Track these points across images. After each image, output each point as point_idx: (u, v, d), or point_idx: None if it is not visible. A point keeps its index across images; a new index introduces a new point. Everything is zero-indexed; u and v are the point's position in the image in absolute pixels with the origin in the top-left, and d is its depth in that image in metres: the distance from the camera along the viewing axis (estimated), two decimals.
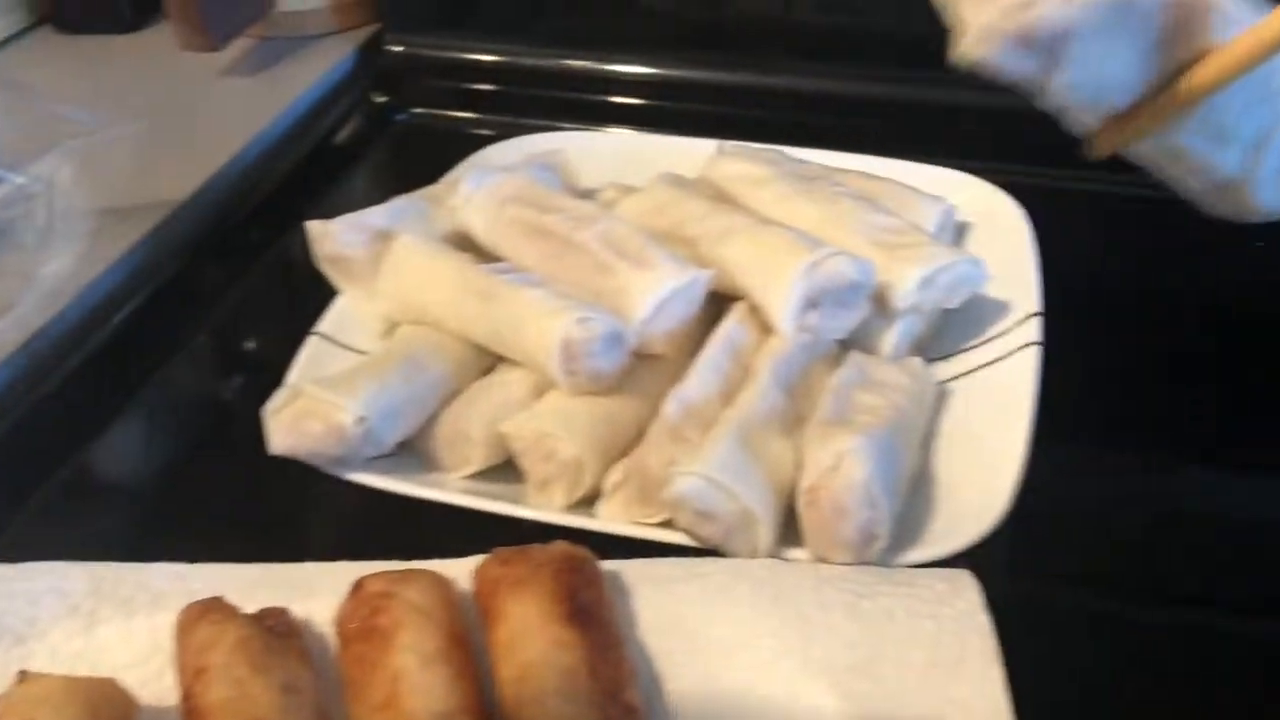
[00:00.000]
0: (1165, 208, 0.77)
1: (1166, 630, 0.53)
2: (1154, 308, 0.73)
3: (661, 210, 0.67)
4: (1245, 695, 0.49)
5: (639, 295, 0.58)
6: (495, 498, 0.55)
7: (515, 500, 0.55)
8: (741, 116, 0.89)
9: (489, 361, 0.61)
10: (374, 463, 0.57)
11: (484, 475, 0.58)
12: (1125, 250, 0.76)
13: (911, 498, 0.55)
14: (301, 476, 0.56)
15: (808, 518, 0.50)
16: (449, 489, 0.56)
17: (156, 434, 0.67)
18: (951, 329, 0.66)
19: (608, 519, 0.54)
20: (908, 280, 0.60)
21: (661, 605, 0.49)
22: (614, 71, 0.93)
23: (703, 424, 0.54)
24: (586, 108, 0.92)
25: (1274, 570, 0.56)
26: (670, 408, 0.54)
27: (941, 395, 0.61)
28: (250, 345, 0.74)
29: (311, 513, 0.61)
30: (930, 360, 0.63)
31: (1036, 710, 0.43)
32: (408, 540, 0.51)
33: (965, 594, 0.47)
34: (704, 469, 0.49)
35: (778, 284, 0.58)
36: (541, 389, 0.58)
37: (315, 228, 0.65)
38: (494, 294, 0.59)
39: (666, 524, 0.53)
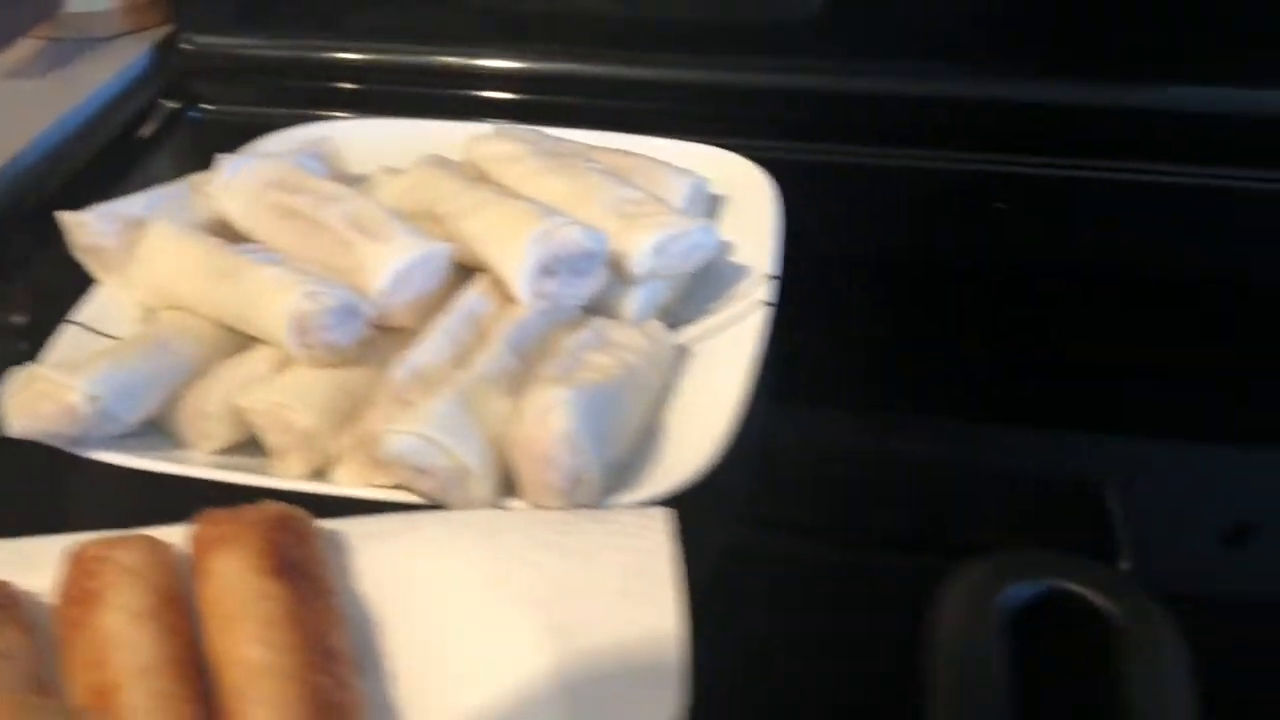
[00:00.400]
0: (910, 176, 0.82)
1: (845, 567, 0.56)
2: (900, 272, 0.77)
3: (417, 190, 0.69)
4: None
5: (376, 268, 0.60)
6: (239, 471, 0.57)
7: (259, 473, 0.57)
8: (519, 101, 0.91)
9: (242, 342, 0.63)
10: (122, 441, 0.58)
11: (233, 451, 0.59)
12: (873, 218, 0.81)
13: (642, 447, 0.58)
14: (61, 460, 0.57)
15: (519, 467, 0.53)
16: (191, 464, 0.57)
17: None
18: (700, 295, 0.70)
19: (344, 484, 0.56)
20: (641, 247, 0.63)
21: (380, 557, 0.51)
22: (402, 62, 0.95)
23: (429, 387, 0.56)
24: (379, 98, 0.93)
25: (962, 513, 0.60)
26: (397, 373, 0.57)
27: (682, 356, 0.65)
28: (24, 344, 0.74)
29: (67, 494, 0.61)
30: (677, 324, 0.67)
31: (725, 637, 0.47)
32: (157, 517, 0.52)
33: (657, 528, 0.50)
34: (416, 427, 0.52)
35: (512, 252, 0.61)
36: (285, 365, 0.60)
37: (68, 218, 0.66)
38: (236, 273, 0.61)
39: (401, 486, 0.55)
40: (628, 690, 0.44)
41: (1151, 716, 0.34)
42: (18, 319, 0.75)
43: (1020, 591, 0.37)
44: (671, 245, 0.65)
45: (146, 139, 0.92)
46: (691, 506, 0.53)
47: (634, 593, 0.48)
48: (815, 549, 0.57)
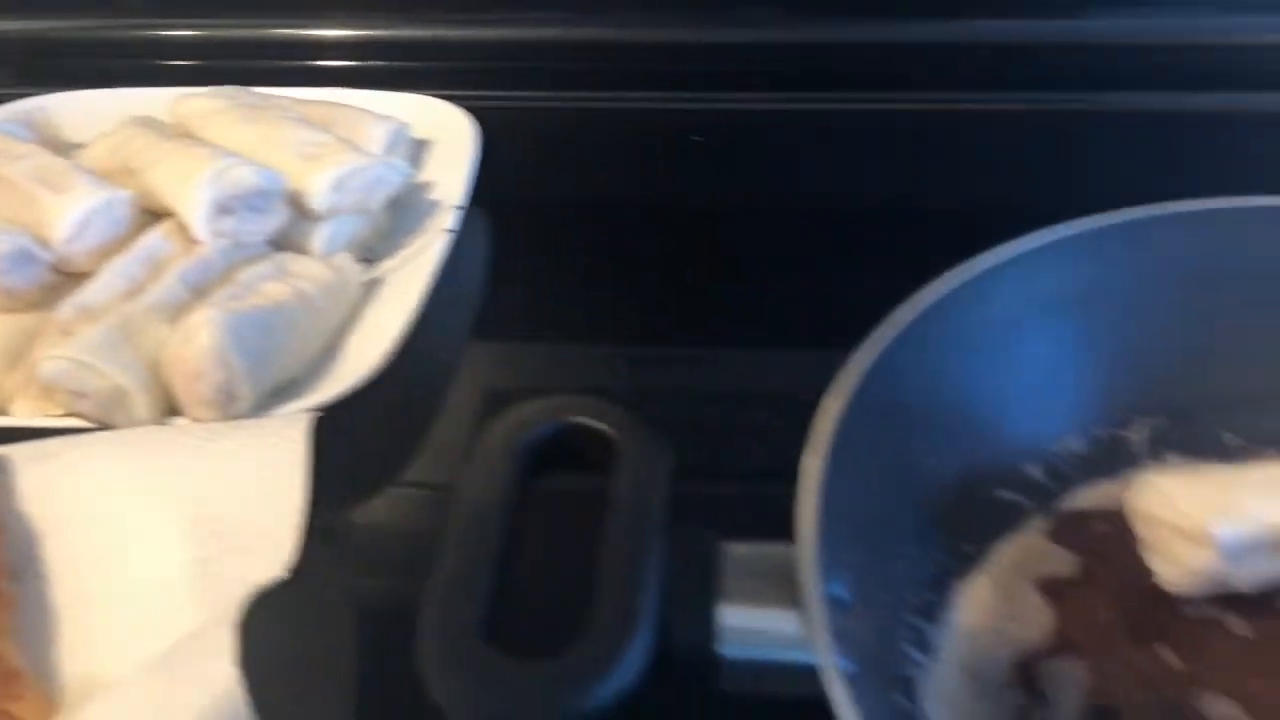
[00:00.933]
0: (609, 117, 0.87)
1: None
2: (601, 209, 0.82)
3: (118, 149, 0.72)
4: None
5: (56, 217, 0.63)
6: None
7: None
8: (224, 68, 0.93)
9: None
10: None
11: None
12: (573, 158, 0.85)
13: (320, 369, 0.62)
14: None
15: (173, 383, 0.57)
16: None
17: None
18: (399, 231, 0.74)
19: (20, 416, 0.59)
20: (319, 183, 0.68)
21: (41, 476, 0.55)
22: (97, 35, 0.96)
23: (94, 320, 0.59)
24: (92, 71, 0.93)
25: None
26: (63, 309, 0.60)
27: (377, 285, 0.69)
28: None
29: None
30: (375, 259, 0.71)
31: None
32: None
33: (296, 428, 0.54)
34: (68, 352, 0.55)
35: (188, 193, 0.65)
36: None
37: None
38: None
39: (70, 414, 0.58)
40: (245, 559, 0.48)
41: (630, 508, 0.39)
42: None
43: (539, 431, 0.42)
44: (351, 180, 0.69)
45: None
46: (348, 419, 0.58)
47: (264, 482, 0.52)
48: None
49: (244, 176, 0.65)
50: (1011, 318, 0.50)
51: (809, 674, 0.37)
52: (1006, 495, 0.52)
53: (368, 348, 0.63)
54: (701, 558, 0.40)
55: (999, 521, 0.51)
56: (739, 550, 0.41)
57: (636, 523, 0.39)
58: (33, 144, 0.73)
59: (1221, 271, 0.52)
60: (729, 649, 0.39)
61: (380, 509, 0.59)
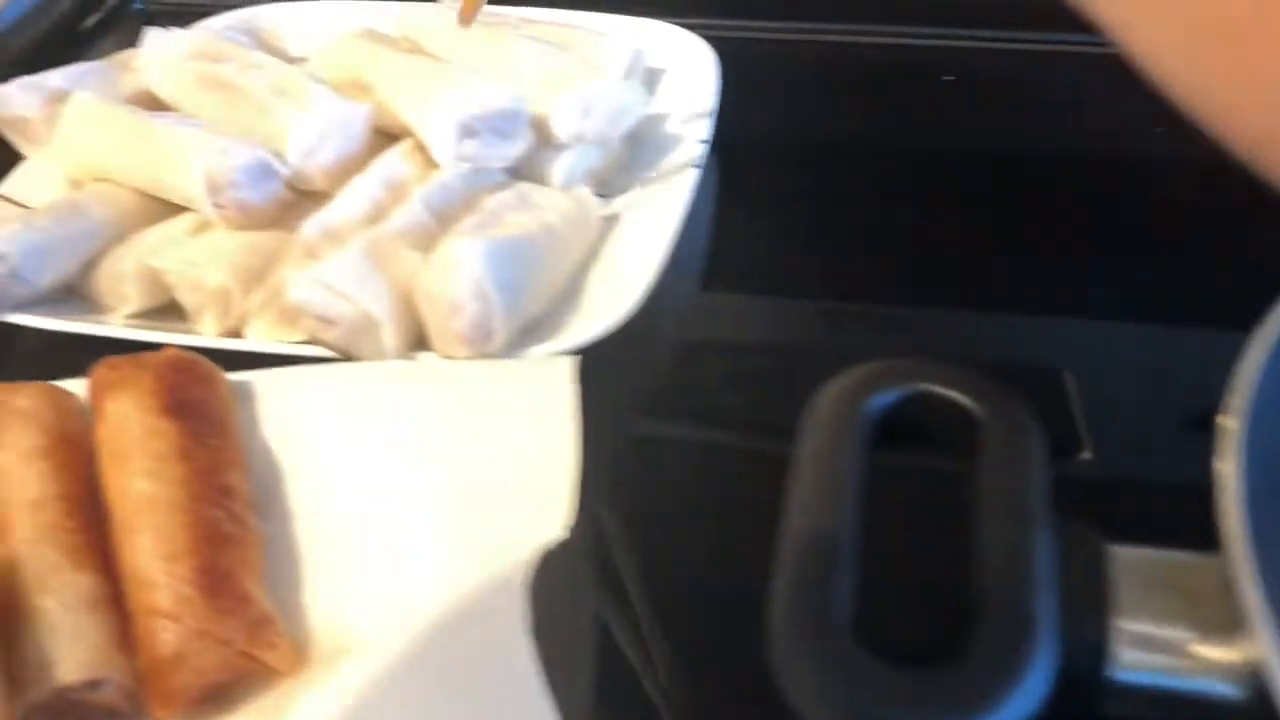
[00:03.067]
0: (855, 51, 0.80)
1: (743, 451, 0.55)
2: (845, 152, 0.75)
3: (346, 61, 0.68)
4: None
5: (294, 130, 0.59)
6: (154, 330, 0.56)
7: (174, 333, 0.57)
8: None
9: (165, 211, 0.62)
10: (38, 306, 0.58)
11: (151, 316, 0.59)
12: (818, 95, 0.79)
13: (562, 307, 0.58)
14: None
15: (426, 315, 0.52)
16: (109, 325, 0.57)
17: None
18: (636, 164, 0.69)
19: (256, 339, 0.55)
20: (565, 108, 0.62)
21: (286, 407, 0.51)
22: None
23: (339, 243, 0.55)
24: None
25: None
26: (307, 229, 0.56)
27: (614, 221, 0.64)
28: None
29: None
30: (611, 194, 0.66)
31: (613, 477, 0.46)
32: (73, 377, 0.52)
33: (560, 372, 0.49)
34: (318, 275, 0.51)
35: (431, 113, 0.60)
36: (203, 229, 0.59)
37: None
38: (153, 138, 0.60)
39: (311, 340, 0.55)
40: (517, 516, 0.44)
41: (1006, 494, 0.33)
42: None
43: (884, 399, 0.36)
44: (597, 107, 0.63)
45: (90, 29, 0.91)
46: (601, 364, 0.53)
47: (533, 432, 0.47)
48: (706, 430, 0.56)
49: (491, 97, 0.60)
50: None
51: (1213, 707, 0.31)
52: None
53: (616, 287, 0.57)
54: (1087, 561, 0.34)
55: None
56: (1131, 556, 0.34)
57: (1017, 512, 0.33)
58: (263, 54, 0.69)
59: None
60: (1127, 673, 0.33)
61: (639, 464, 0.54)
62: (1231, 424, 0.35)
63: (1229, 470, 0.34)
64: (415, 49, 0.70)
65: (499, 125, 0.61)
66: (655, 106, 0.72)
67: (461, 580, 0.42)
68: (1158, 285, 0.63)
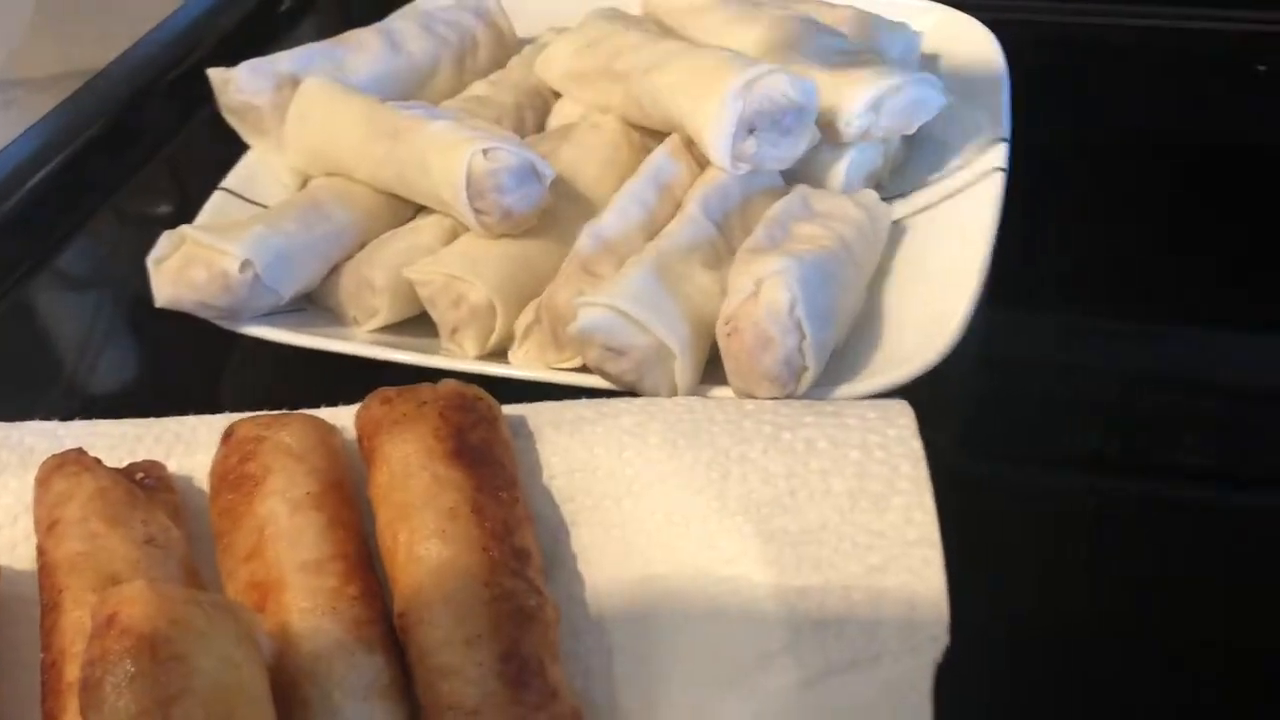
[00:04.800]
0: (1151, 38, 0.71)
1: (1091, 492, 0.48)
2: (1143, 148, 0.66)
3: (594, 46, 0.61)
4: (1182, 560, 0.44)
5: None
6: (408, 350, 0.51)
7: (428, 353, 0.51)
8: None
9: (406, 211, 0.57)
10: (277, 318, 0.53)
11: (397, 330, 0.53)
12: (1115, 86, 0.69)
13: (856, 334, 0.50)
14: (215, 337, 0.52)
15: (728, 348, 0.45)
16: (355, 341, 0.51)
17: (70, 297, 0.63)
18: (915, 163, 0.61)
19: (521, 365, 0.49)
20: (855, 102, 0.55)
21: (569, 448, 0.44)
22: None
23: (619, 259, 0.49)
24: None
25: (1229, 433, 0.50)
26: (584, 241, 0.49)
27: (899, 231, 0.56)
28: (167, 209, 0.69)
29: (224, 374, 0.56)
30: (890, 197, 0.58)
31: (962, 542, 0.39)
32: (318, 399, 0.47)
33: (897, 422, 0.42)
34: (610, 300, 0.45)
35: (709, 106, 0.53)
36: (454, 235, 0.54)
37: (216, 75, 0.60)
38: (400, 131, 0.54)
39: (584, 369, 0.48)
40: (876, 624, 0.37)
41: None
42: (165, 188, 0.70)
43: None
44: (890, 101, 0.55)
45: (289, 8, 0.86)
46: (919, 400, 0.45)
47: (872, 494, 0.40)
48: (1058, 472, 0.48)
49: (779, 88, 0.52)
50: None
51: None
52: None
53: (925, 311, 0.50)
54: None
55: None
56: None
57: None
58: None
59: None
60: None
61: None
62: None
63: None
64: (665, 33, 0.63)
65: (784, 121, 0.53)
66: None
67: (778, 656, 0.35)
68: None
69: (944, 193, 0.58)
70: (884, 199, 0.57)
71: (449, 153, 0.51)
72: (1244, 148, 0.65)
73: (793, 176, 0.57)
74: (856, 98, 0.55)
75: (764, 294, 0.44)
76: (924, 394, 0.45)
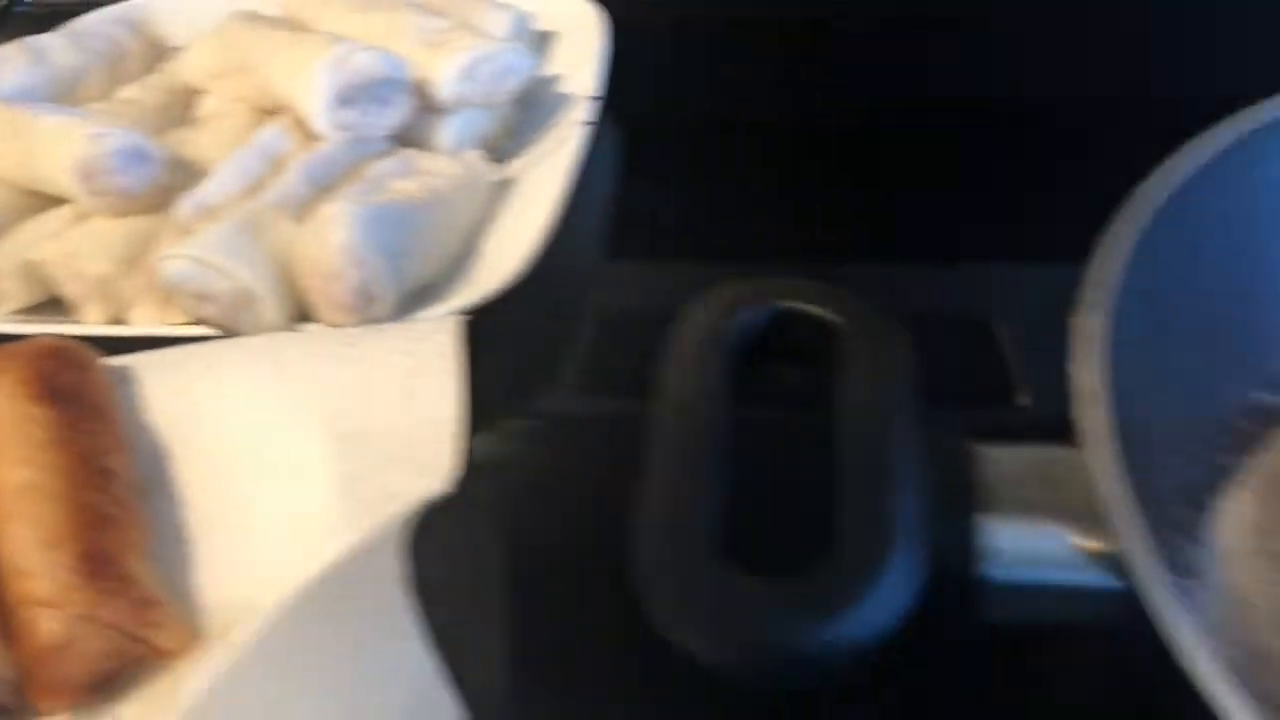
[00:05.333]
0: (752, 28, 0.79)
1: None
2: (739, 116, 0.74)
3: (229, 45, 0.67)
4: None
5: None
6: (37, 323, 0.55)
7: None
8: None
9: (42, 204, 0.61)
10: None
11: (36, 311, 0.58)
12: (708, 60, 0.78)
13: (455, 271, 0.57)
14: None
15: (305, 284, 0.51)
16: None
17: None
18: (527, 128, 0.68)
19: (139, 326, 0.54)
20: (446, 70, 0.61)
21: (168, 385, 0.50)
22: None
23: (216, 220, 0.54)
24: None
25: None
26: (183, 207, 0.55)
27: (508, 185, 0.63)
28: None
29: None
30: (504, 158, 0.65)
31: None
32: None
33: (443, 336, 0.49)
34: (189, 250, 0.50)
35: (305, 83, 0.59)
36: (82, 220, 0.58)
37: None
38: (20, 128, 0.58)
39: (195, 321, 0.54)
40: (401, 474, 0.43)
41: (868, 402, 0.33)
42: None
43: (747, 318, 0.36)
44: (480, 68, 0.63)
45: None
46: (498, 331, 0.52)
47: (414, 391, 0.47)
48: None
49: (367, 62, 0.59)
50: None
51: (1087, 599, 0.31)
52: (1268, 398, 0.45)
53: (507, 249, 0.57)
54: (955, 463, 0.34)
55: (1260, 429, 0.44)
56: (1000, 455, 0.34)
57: (880, 421, 0.33)
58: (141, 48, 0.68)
59: None
60: (999, 570, 0.32)
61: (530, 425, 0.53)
62: (1091, 318, 0.35)
63: (1087, 360, 0.34)
64: (299, 28, 0.69)
65: (378, 92, 0.60)
66: (547, 70, 0.72)
67: (341, 544, 0.41)
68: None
69: (543, 151, 0.65)
70: (498, 159, 0.65)
71: (62, 140, 0.56)
72: (830, 105, 0.74)
73: (406, 143, 0.63)
74: (448, 66, 0.62)
75: (328, 232, 0.51)
76: (513, 325, 0.53)
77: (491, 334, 0.53)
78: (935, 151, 0.68)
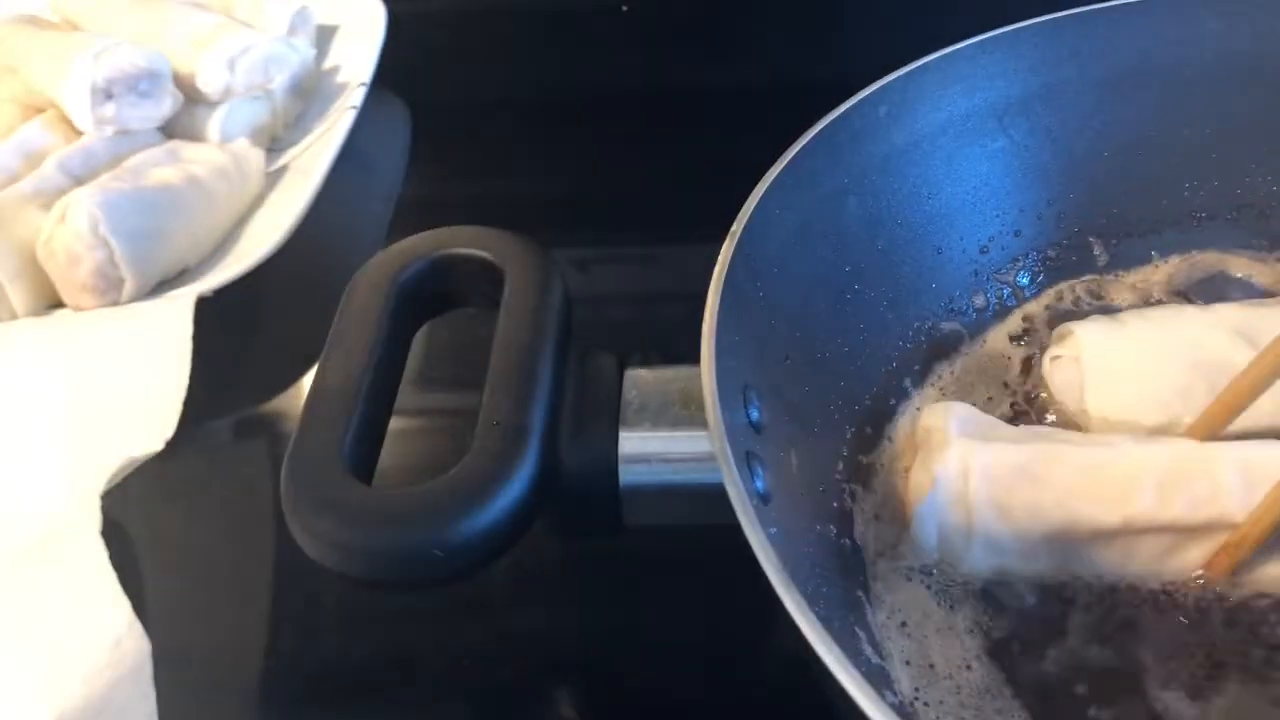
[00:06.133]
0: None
1: None
2: (522, 93, 0.77)
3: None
4: None
5: None
6: None
7: None
8: None
9: None
10: None
11: None
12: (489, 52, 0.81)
13: (218, 254, 0.59)
14: None
15: (51, 270, 0.53)
16: None
17: None
18: (306, 117, 0.70)
19: None
20: (209, 63, 0.63)
21: None
22: None
23: None
24: None
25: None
26: None
27: (283, 173, 0.65)
28: None
29: None
30: (284, 146, 0.67)
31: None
32: None
33: (179, 308, 0.50)
34: None
35: (65, 79, 0.60)
36: None
37: None
38: None
39: None
40: (122, 433, 0.45)
41: (521, 329, 0.35)
42: None
43: (414, 268, 0.38)
44: (244, 60, 0.64)
45: None
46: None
47: (147, 360, 0.48)
48: None
49: (126, 56, 0.60)
50: (935, 130, 0.46)
51: (717, 500, 0.34)
52: (946, 325, 0.48)
53: (265, 232, 0.59)
54: (602, 383, 0.37)
55: (937, 350, 0.48)
56: (641, 376, 0.37)
57: (524, 342, 0.36)
58: None
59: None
60: (628, 474, 0.35)
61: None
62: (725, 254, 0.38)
63: (714, 293, 0.37)
64: (73, 29, 0.70)
65: (139, 85, 0.62)
66: (327, 61, 0.74)
67: (56, 499, 0.43)
68: None
69: (317, 137, 0.67)
70: (278, 149, 0.67)
71: None
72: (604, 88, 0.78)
73: (176, 135, 0.65)
74: (209, 59, 0.63)
75: (68, 217, 0.52)
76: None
77: (248, 314, 0.55)
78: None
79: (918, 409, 0.46)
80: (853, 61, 0.64)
